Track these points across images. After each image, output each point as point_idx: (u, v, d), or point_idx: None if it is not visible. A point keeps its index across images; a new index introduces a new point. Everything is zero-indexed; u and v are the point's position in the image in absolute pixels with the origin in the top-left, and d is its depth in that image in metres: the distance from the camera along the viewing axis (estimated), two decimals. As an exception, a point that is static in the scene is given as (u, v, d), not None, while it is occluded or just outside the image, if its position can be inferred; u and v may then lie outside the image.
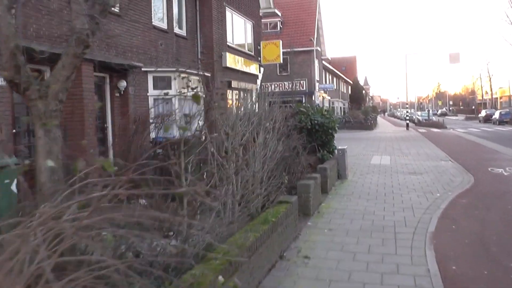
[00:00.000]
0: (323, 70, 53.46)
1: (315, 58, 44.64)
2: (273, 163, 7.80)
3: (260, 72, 26.05)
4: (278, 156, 7.91)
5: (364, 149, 24.55)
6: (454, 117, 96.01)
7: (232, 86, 20.99)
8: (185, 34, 18.67)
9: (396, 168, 16.60)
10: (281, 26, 45.16)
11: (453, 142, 29.78)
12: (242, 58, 22.93)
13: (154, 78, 15.99)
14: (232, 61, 21.18)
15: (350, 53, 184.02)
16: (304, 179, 10.06)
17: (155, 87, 15.95)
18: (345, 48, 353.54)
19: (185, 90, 8.15)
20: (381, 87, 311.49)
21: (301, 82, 43.83)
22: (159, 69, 16.00)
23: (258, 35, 26.28)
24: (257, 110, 7.92)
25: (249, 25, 24.82)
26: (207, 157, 6.78)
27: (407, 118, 51.65)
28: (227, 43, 21.21)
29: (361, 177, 14.81)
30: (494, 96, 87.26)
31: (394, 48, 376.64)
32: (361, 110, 62.08)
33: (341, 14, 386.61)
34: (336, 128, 15.12)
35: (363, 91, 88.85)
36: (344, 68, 79.25)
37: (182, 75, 16.92)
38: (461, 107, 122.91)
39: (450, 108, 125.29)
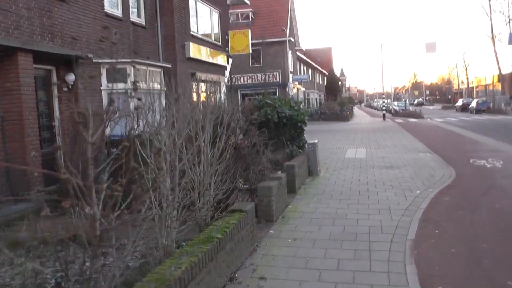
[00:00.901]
0: (298, 62, 52.26)
1: (288, 49, 43.40)
2: (223, 164, 6.54)
3: (228, 63, 24.70)
4: (228, 156, 6.65)
5: (339, 142, 23.38)
6: (431, 107, 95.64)
7: (197, 77, 19.66)
8: (143, 23, 17.26)
9: (372, 162, 15.46)
10: (252, 17, 43.87)
11: (431, 132, 28.83)
12: (208, 49, 21.56)
13: (107, 70, 14.59)
14: (196, 51, 19.82)
15: (325, 45, 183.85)
16: (266, 180, 8.82)
17: (109, 80, 14.56)
18: (320, 40, 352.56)
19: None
20: (358, 78, 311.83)
21: (274, 73, 42.56)
22: (112, 60, 14.64)
23: (226, 24, 24.91)
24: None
25: (215, 14, 23.44)
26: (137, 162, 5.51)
27: (384, 108, 50.73)
28: (191, 33, 19.82)
29: (334, 173, 13.64)
30: (470, 86, 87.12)
31: (370, 38, 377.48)
32: (337, 101, 60.98)
33: (315, 5, 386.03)
34: (306, 121, 13.91)
35: (339, 82, 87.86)
36: (319, 60, 78.10)
37: (140, 66, 15.73)
38: (438, 97, 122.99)
39: (427, 98, 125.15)
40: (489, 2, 57.50)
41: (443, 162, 14.83)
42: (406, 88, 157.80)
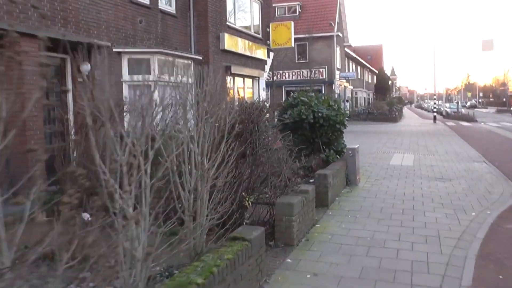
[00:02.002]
0: (346, 58, 50.19)
1: (336, 45, 41.52)
2: (221, 179, 5.09)
3: (269, 57, 23.21)
4: (227, 169, 5.18)
5: (385, 145, 21.57)
6: (484, 110, 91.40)
7: (232, 72, 18.30)
8: (174, 11, 15.98)
9: (420, 172, 13.69)
10: (300, 11, 42.19)
11: (485, 138, 26.53)
12: (246, 41, 20.13)
13: (129, 61, 13.39)
14: (232, 43, 18.43)
15: (376, 42, 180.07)
16: (288, 195, 7.32)
17: (130, 72, 13.34)
18: (370, 37, 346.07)
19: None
20: (409, 77, 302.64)
21: (321, 70, 40.70)
22: (135, 50, 13.44)
23: (267, 16, 23.39)
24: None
25: (256, 5, 21.98)
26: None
27: (435, 110, 48.13)
28: (227, 23, 18.44)
29: (376, 183, 12.00)
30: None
31: (422, 36, 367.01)
32: (386, 101, 58.55)
33: (367, 1, 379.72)
34: (345, 123, 12.32)
35: (389, 81, 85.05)
36: (369, 57, 75.74)
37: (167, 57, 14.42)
38: (491, 99, 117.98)
39: (480, 100, 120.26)
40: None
41: (501, 175, 12.97)
42: (458, 89, 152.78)
